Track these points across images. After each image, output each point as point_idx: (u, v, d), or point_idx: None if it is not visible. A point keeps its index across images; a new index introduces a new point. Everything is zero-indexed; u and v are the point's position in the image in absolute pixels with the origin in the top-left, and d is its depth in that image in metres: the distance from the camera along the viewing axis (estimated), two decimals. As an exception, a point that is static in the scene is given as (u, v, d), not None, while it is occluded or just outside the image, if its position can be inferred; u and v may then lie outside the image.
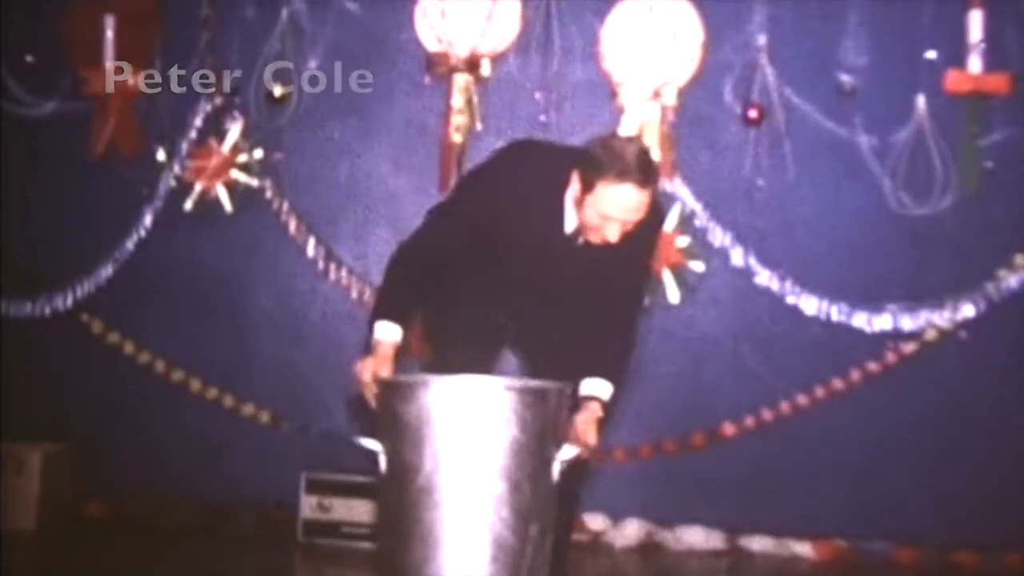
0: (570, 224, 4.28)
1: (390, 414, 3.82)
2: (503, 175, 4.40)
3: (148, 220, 6.67)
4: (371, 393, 4.05)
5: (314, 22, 6.61)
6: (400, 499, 3.78)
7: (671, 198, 6.28)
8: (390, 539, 3.86)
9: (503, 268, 4.44)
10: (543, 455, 3.79)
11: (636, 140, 4.55)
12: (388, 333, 4.21)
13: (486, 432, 3.73)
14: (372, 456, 3.89)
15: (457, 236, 4.37)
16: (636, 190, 4.07)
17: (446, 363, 4.33)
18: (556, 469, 3.82)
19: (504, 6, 6.42)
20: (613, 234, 4.16)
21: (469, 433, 3.73)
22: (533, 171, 4.36)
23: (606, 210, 4.12)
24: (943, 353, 6.21)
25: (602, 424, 4.14)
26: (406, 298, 4.33)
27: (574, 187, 4.18)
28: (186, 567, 5.78)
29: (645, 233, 4.31)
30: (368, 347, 4.21)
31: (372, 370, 4.06)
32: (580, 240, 4.28)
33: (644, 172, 4.08)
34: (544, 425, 3.78)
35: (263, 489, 6.43)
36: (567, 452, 3.85)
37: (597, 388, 4.18)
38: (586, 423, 4.08)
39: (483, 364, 4.42)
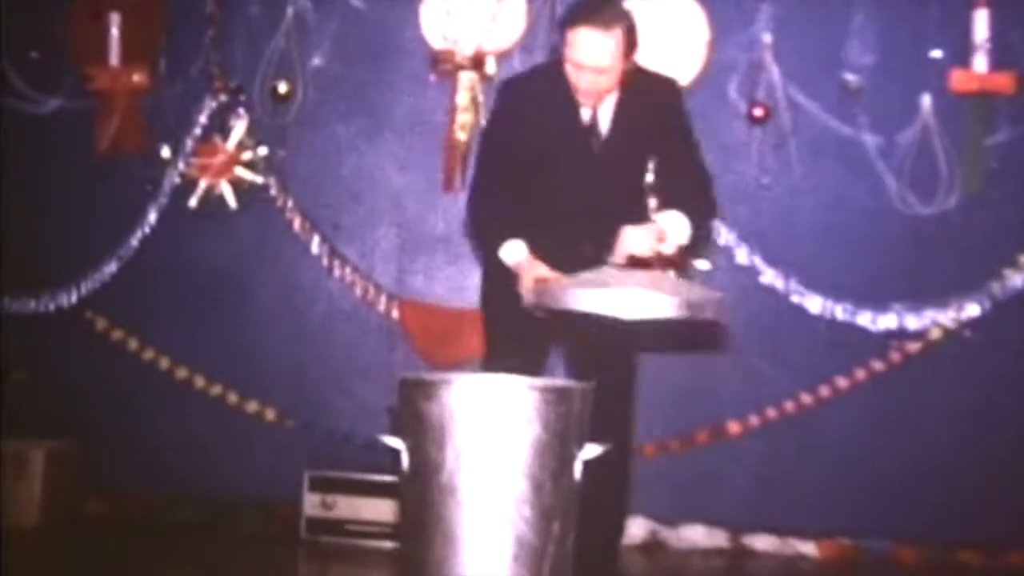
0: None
1: (413, 412, 3.82)
2: (514, 97, 4.72)
3: (152, 217, 6.66)
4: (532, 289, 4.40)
5: (319, 19, 6.61)
6: (422, 497, 3.79)
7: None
8: (412, 537, 3.87)
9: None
10: (565, 454, 3.80)
11: None
12: (519, 250, 4.52)
13: (509, 431, 3.74)
14: (392, 454, 3.91)
15: (509, 158, 4.66)
16: (593, 31, 4.39)
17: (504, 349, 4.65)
18: (578, 468, 3.83)
19: (509, 4, 6.42)
20: (584, 82, 4.47)
21: (492, 432, 3.74)
22: (536, 81, 4.73)
23: (574, 55, 4.44)
24: (948, 352, 6.20)
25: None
26: (506, 219, 4.60)
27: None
28: (189, 564, 5.77)
29: (666, 103, 4.77)
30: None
31: (533, 274, 4.40)
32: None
33: (602, 14, 4.41)
34: (567, 424, 3.79)
35: (267, 486, 6.42)
36: (590, 451, 3.86)
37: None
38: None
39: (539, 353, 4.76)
